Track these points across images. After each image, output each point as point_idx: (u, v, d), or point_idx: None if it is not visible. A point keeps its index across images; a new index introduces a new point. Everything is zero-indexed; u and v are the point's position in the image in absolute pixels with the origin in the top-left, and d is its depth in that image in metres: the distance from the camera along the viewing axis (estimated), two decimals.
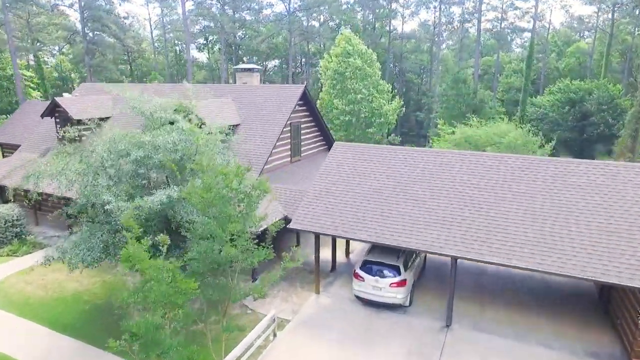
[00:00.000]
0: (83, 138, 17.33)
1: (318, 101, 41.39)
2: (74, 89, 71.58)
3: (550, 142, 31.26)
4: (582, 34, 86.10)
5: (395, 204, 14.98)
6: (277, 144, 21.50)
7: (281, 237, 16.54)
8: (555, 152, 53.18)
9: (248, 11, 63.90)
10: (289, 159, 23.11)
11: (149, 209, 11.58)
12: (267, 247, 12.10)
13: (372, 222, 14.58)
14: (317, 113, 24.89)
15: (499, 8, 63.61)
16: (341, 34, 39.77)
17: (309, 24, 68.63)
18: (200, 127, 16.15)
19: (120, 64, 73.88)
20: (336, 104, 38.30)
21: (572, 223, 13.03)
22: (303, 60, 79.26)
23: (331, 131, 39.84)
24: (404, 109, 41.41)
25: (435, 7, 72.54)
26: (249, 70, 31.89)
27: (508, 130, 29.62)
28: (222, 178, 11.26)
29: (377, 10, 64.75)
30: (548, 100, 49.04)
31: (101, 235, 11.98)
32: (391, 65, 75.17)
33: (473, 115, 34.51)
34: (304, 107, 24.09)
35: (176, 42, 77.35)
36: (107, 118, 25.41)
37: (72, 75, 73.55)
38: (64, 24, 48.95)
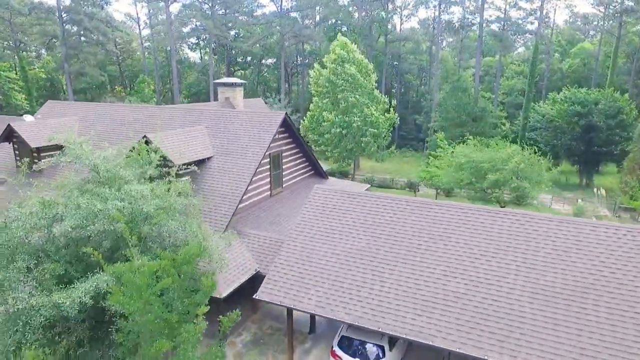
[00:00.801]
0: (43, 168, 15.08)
1: (308, 113, 39.07)
2: (62, 91, 69.13)
3: (558, 166, 29.12)
4: (587, 34, 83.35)
5: (380, 272, 12.78)
6: (254, 178, 19.29)
7: (258, 281, 14.38)
8: (559, 162, 51.01)
9: (237, 13, 61.29)
10: (269, 192, 20.89)
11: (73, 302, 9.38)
12: (220, 347, 9.96)
13: (352, 297, 12.39)
14: (300, 139, 22.62)
15: (502, 8, 61.01)
16: (337, 39, 37.30)
17: (304, 23, 66.09)
18: (163, 177, 13.93)
19: (109, 65, 71.43)
20: (326, 116, 35.97)
21: (590, 306, 10.85)
22: (299, 59, 76.58)
23: (322, 147, 37.61)
24: (398, 120, 39.03)
25: (435, 6, 70.02)
26: (231, 84, 29.68)
27: (513, 153, 27.36)
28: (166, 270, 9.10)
29: (374, 12, 62.08)
30: (552, 109, 46.80)
31: (15, 332, 9.80)
32: (388, 63, 72.69)
33: (471, 137, 32.18)
34: (286, 134, 21.83)
35: (166, 42, 74.74)
36: None
37: (60, 76, 71.10)
38: (42, 29, 46.23)
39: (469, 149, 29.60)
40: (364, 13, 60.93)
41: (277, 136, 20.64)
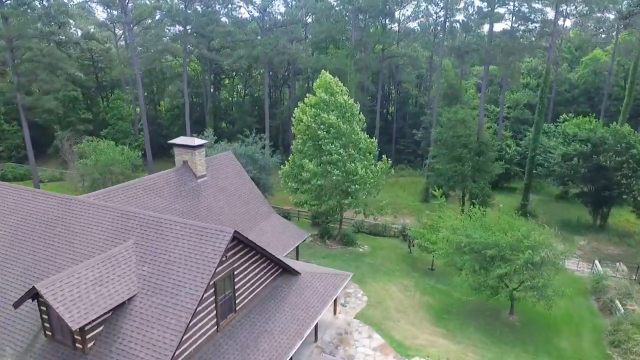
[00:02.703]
0: None
1: (290, 156, 34.29)
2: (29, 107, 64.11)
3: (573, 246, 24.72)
4: (598, 37, 77.40)
5: None
6: (192, 322, 14.80)
7: None
8: (572, 199, 46.54)
9: (212, 33, 56.09)
10: (215, 327, 16.38)
11: None
12: None
13: None
14: (257, 246, 17.97)
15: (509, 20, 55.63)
16: (319, 79, 32.27)
17: (292, 34, 60.79)
18: None
19: (86, 75, 66.27)
20: (306, 165, 31.20)
21: None
22: (289, 66, 71.22)
23: (301, 195, 32.93)
24: (393, 171, 34.33)
25: (437, 13, 64.69)
26: (190, 147, 24.94)
27: (524, 235, 22.77)
28: None
29: (371, 30, 56.59)
30: (562, 143, 42.38)
31: None
32: (385, 73, 67.53)
33: (472, 204, 27.68)
34: (239, 247, 17.24)
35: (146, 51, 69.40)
36: None
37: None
38: None
39: (469, 223, 25.13)
40: (358, 30, 55.31)
41: (224, 257, 16.10)
